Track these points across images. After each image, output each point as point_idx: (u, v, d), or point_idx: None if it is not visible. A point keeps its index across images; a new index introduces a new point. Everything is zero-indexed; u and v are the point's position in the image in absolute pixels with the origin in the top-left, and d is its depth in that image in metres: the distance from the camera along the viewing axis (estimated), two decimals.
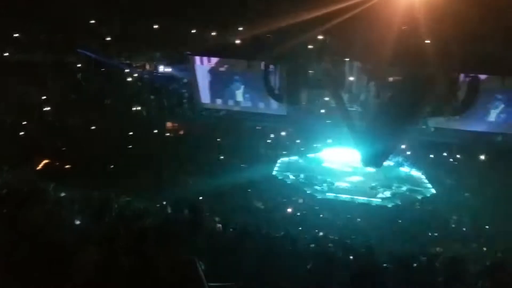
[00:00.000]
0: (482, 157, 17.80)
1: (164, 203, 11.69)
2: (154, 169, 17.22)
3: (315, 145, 19.97)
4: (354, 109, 18.09)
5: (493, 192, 16.51)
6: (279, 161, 19.98)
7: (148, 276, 3.34)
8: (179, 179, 16.71)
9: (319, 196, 16.87)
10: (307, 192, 17.19)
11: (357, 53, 16.24)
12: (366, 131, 16.25)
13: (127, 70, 21.69)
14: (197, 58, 19.23)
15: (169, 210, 8.62)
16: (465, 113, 17.09)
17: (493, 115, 16.82)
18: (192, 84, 20.21)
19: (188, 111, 21.41)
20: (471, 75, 16.49)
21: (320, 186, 17.55)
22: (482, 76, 16.26)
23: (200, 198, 13.33)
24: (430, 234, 13.87)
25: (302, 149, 20.15)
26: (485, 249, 12.46)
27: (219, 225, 8.60)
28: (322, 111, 18.82)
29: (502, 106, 16.90)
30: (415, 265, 6.75)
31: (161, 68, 23.47)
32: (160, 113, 21.82)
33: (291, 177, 18.49)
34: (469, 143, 17.97)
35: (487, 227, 14.47)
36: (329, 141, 19.28)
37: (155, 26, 18.78)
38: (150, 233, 4.88)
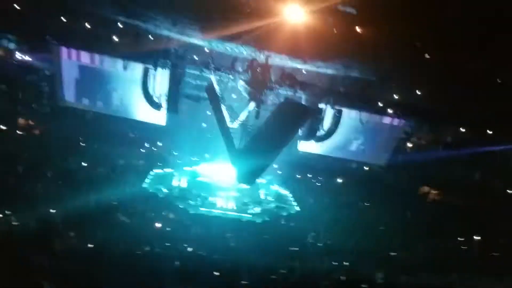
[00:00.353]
0: (340, 180, 20.15)
1: (8, 213, 9.76)
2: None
3: (192, 159, 19.59)
4: (234, 126, 18.38)
5: (347, 211, 18.70)
6: (152, 173, 18.88)
7: None
8: (29, 186, 14.19)
9: (192, 211, 16.41)
10: (180, 206, 16.54)
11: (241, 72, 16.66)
12: (243, 149, 16.58)
13: None
14: (65, 50, 16.79)
15: (14, 222, 7.13)
16: (328, 140, 18.92)
17: (354, 145, 18.99)
18: (56, 78, 17.50)
19: (46, 107, 18.64)
20: (335, 107, 18.44)
21: (193, 201, 17.13)
22: (345, 110, 18.35)
23: (52, 210, 11.51)
24: (291, 248, 14.66)
25: (179, 162, 19.52)
26: (336, 263, 13.82)
27: (74, 241, 7.49)
28: (203, 124, 18.63)
29: (352, 137, 19.14)
30: (273, 277, 6.98)
31: (19, 56, 20.17)
32: (11, 106, 18.49)
33: (164, 190, 17.61)
34: (330, 167, 20.15)
35: (339, 241, 16.17)
36: (207, 155, 19.15)
37: (15, 5, 15.94)
38: None
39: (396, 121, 18.95)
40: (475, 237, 18.60)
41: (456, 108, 17.40)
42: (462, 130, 21.09)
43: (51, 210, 12.92)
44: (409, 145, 22.77)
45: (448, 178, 21.27)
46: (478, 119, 18.47)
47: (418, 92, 16.81)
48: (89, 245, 7.19)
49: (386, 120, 19.00)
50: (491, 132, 19.69)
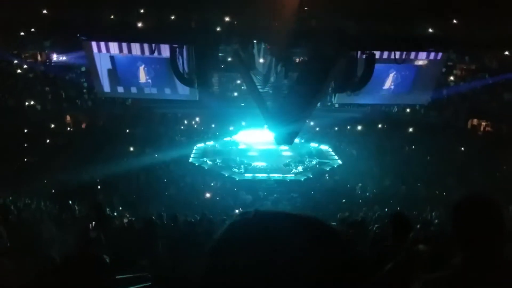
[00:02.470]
0: (380, 126, 19.72)
1: (70, 202, 10.81)
2: (55, 168, 15.62)
3: (229, 129, 20.06)
4: (265, 90, 18.43)
5: (390, 158, 18.38)
6: (195, 147, 19.68)
7: None
8: (83, 176, 15.41)
9: (238, 178, 17.03)
10: (225, 175, 17.22)
11: (263, 35, 16.50)
12: (277, 111, 16.70)
13: (16, 62, 19.24)
14: (95, 44, 17.46)
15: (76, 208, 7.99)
16: (364, 87, 18.39)
17: (392, 88, 18.23)
18: (92, 72, 18.39)
19: (89, 101, 19.78)
20: (367, 52, 17.73)
21: (237, 168, 17.71)
22: (377, 52, 17.58)
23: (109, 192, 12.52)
24: (338, 202, 14.91)
25: (217, 133, 20.10)
26: (386, 209, 13.85)
27: (129, 218, 8.22)
28: (235, 94, 18.85)
29: (389, 79, 18.28)
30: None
31: (55, 57, 21.31)
32: (57, 106, 19.83)
33: (209, 162, 18.35)
34: (369, 115, 19.73)
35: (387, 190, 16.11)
36: (243, 123, 19.49)
37: (44, 11, 16.82)
38: None
39: (433, 56, 17.85)
40: None
41: (496, 33, 16.12)
42: (507, 53, 19.54)
43: (110, 190, 14.12)
44: (452, 78, 21.57)
45: (498, 106, 20.00)
46: None
47: (454, 22, 15.74)
48: (143, 220, 7.86)
49: (423, 56, 17.96)
50: None
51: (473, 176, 16.90)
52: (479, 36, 16.18)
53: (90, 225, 6.08)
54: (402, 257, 3.30)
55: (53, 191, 13.60)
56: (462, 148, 19.38)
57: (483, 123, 20.67)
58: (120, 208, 13.18)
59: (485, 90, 20.57)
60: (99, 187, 15.05)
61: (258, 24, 16.19)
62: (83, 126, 20.12)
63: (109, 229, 6.20)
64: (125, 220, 8.96)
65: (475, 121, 20.80)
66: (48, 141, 17.55)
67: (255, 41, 18.20)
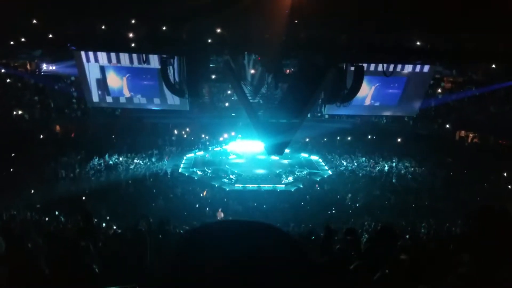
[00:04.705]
0: (369, 137, 19.93)
1: (57, 213, 10.64)
2: (43, 178, 15.45)
3: (220, 139, 20.06)
4: (255, 101, 18.53)
5: (380, 168, 18.55)
6: (185, 157, 19.60)
7: None
8: (71, 186, 15.25)
9: (228, 189, 16.98)
10: (215, 185, 17.16)
11: (254, 46, 16.65)
12: (267, 121, 16.77)
13: (3, 71, 19.05)
14: (85, 54, 17.51)
15: (62, 219, 7.87)
16: (352, 99, 18.63)
17: (381, 100, 18.47)
18: (81, 82, 18.38)
19: (78, 111, 19.64)
20: (356, 64, 17.99)
21: (227, 179, 17.68)
22: (366, 65, 17.85)
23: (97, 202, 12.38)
24: (328, 212, 14.93)
25: (208, 143, 20.08)
26: (375, 220, 13.91)
27: (115, 229, 8.14)
28: (226, 104, 18.90)
29: (378, 91, 18.51)
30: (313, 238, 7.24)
31: (45, 67, 21.15)
32: (46, 115, 19.63)
33: (199, 172, 18.29)
34: (358, 126, 19.95)
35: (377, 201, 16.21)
36: (234, 134, 19.54)
37: (34, 21, 16.69)
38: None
39: (420, 68, 18.21)
40: None
41: (482, 44, 16.53)
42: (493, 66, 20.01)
43: (98, 201, 13.95)
44: (439, 90, 21.97)
45: (485, 118, 20.40)
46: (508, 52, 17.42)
47: (441, 35, 16.10)
48: (130, 230, 7.75)
49: (411, 68, 18.28)
50: None
51: (461, 186, 17.14)
52: (465, 49, 16.56)
53: (79, 235, 6.00)
54: (388, 266, 3.36)
55: (40, 201, 13.39)
56: (450, 159, 19.66)
57: (471, 135, 21.05)
58: (108, 218, 13.02)
59: (472, 102, 21.02)
60: (86, 197, 14.87)
61: (249, 36, 16.36)
62: (72, 135, 19.93)
63: (98, 239, 6.11)
64: (113, 231, 8.84)
65: (462, 133, 21.17)
66: (36, 150, 17.32)
67: (246, 52, 18.36)
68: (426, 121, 20.81)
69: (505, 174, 18.50)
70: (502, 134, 19.40)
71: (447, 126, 21.05)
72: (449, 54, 17.54)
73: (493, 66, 20.59)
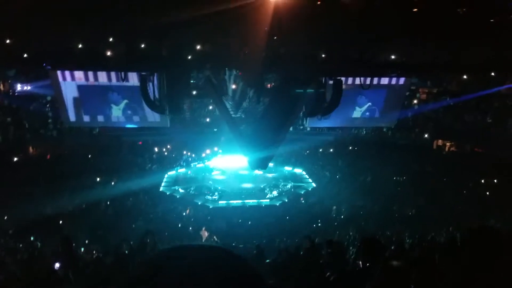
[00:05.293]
0: (351, 148, 20.17)
1: (32, 238, 10.18)
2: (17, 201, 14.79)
3: (202, 155, 19.83)
4: (237, 115, 18.49)
5: (363, 179, 18.70)
6: (166, 175, 19.23)
7: None
8: (47, 209, 14.66)
9: (211, 206, 16.70)
10: (198, 203, 16.85)
11: (234, 62, 16.68)
12: (250, 136, 16.72)
13: None
14: (61, 73, 17.03)
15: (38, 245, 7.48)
16: (332, 112, 18.82)
17: (358, 113, 18.77)
18: (58, 102, 17.85)
19: (54, 131, 19.08)
20: (335, 78, 18.28)
21: (211, 196, 17.40)
22: (344, 78, 18.18)
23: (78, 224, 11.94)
24: (314, 225, 14.87)
25: (190, 160, 19.81)
26: (361, 231, 13.93)
27: (98, 254, 7.82)
28: (207, 120, 18.78)
29: (357, 103, 18.89)
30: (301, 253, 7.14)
31: (19, 87, 20.59)
32: (20, 137, 18.97)
33: (181, 190, 17.93)
34: (340, 138, 20.18)
35: (361, 212, 16.28)
36: (216, 149, 19.38)
37: (8, 41, 16.26)
38: None
39: (397, 80, 18.66)
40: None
41: (456, 56, 17.12)
42: (466, 77, 20.78)
43: (76, 224, 13.44)
44: (415, 101, 22.57)
45: (461, 127, 21.04)
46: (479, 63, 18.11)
47: (416, 48, 16.57)
48: (111, 255, 7.43)
49: (388, 81, 18.74)
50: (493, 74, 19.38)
51: (441, 194, 17.45)
52: (440, 61, 17.09)
53: (57, 263, 5.68)
54: (378, 275, 3.31)
55: (15, 226, 12.78)
56: (430, 168, 20.06)
57: (448, 143, 21.60)
58: (87, 242, 12.53)
59: (448, 111, 21.65)
60: (63, 221, 14.30)
61: (229, 51, 16.39)
62: (48, 157, 19.30)
63: (78, 266, 5.80)
64: (93, 256, 8.47)
65: (440, 142, 21.71)
66: (9, 173, 16.64)
67: (226, 67, 18.37)
68: (404, 131, 21.26)
69: (482, 181, 19.00)
70: (477, 142, 20.01)
71: (425, 135, 21.57)
72: (424, 67, 18.11)
73: (465, 77, 21.42)
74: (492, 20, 15.54)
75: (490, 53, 15.96)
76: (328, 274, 5.44)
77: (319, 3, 14.89)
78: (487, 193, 18.25)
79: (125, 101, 17.69)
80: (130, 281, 0.78)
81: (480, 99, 20.54)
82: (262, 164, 18.36)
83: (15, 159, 18.01)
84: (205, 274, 0.75)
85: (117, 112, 17.48)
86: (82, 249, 11.01)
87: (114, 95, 17.42)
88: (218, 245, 0.86)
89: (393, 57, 18.47)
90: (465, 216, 14.63)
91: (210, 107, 18.65)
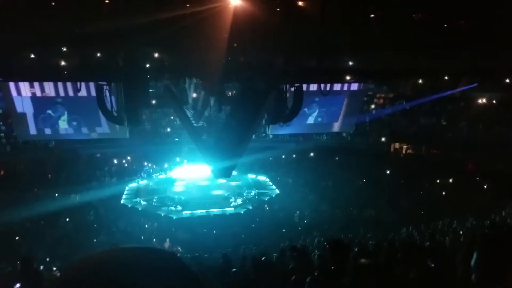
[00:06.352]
0: (312, 154, 20.52)
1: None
2: None
3: (164, 166, 19.48)
4: (199, 124, 18.34)
5: (324, 184, 19.06)
6: (127, 187, 18.71)
7: None
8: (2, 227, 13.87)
9: (175, 217, 16.40)
10: (162, 215, 16.50)
11: (194, 70, 16.61)
12: (213, 144, 16.62)
13: None
14: (14, 85, 16.25)
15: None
16: (295, 118, 19.11)
17: (321, 118, 19.14)
18: (11, 115, 17.03)
19: (7, 146, 18.13)
20: (296, 85, 18.60)
21: (174, 207, 17.09)
22: (304, 86, 18.52)
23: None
24: (279, 231, 14.95)
25: (151, 171, 19.39)
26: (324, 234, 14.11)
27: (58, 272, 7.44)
28: (168, 129, 18.49)
29: (317, 110, 19.28)
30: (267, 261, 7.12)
31: None
32: None
33: (143, 202, 17.49)
34: (302, 144, 20.49)
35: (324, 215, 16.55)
36: (178, 159, 19.10)
37: None
38: None
39: (354, 86, 19.23)
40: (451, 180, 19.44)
41: (410, 63, 17.94)
42: (420, 81, 21.79)
43: (35, 241, 12.80)
44: (372, 106, 23.35)
45: (416, 130, 21.95)
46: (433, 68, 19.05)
47: (372, 55, 17.24)
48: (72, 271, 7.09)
49: (346, 87, 19.27)
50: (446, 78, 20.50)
51: (401, 196, 18.07)
52: (395, 67, 17.84)
53: (16, 284, 5.35)
54: (350, 275, 3.37)
55: None
56: (388, 171, 20.74)
57: (404, 146, 22.45)
58: (48, 260, 11.93)
59: (404, 115, 22.54)
60: (19, 238, 13.57)
61: (188, 60, 16.30)
62: (1, 173, 18.26)
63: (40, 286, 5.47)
64: (54, 273, 8.05)
65: (397, 145, 22.52)
66: None
67: (186, 76, 18.26)
68: (362, 136, 21.91)
69: (438, 181, 19.86)
70: (433, 143, 20.94)
71: (383, 139, 22.32)
72: (379, 72, 18.85)
73: (420, 81, 22.45)
74: (445, 25, 16.48)
75: (444, 58, 16.91)
76: (293, 278, 5.45)
77: (278, 9, 15.20)
78: (443, 192, 19.08)
79: (83, 112, 17.15)
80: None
81: (434, 102, 21.56)
82: (225, 172, 18.24)
83: None
84: (136, 278, 0.71)
85: (75, 124, 16.93)
86: (42, 267, 10.45)
87: (72, 107, 16.87)
88: (152, 247, 0.80)
89: (350, 63, 19.14)
90: (423, 216, 15.21)
91: (171, 117, 18.37)
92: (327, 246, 4.66)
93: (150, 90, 17.48)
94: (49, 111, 16.36)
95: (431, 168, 19.44)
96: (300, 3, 16.24)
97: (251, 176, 20.50)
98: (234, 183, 19.30)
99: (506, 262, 2.01)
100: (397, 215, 15.94)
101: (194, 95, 18.32)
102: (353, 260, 4.06)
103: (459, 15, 15.43)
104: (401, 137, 22.08)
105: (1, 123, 18.86)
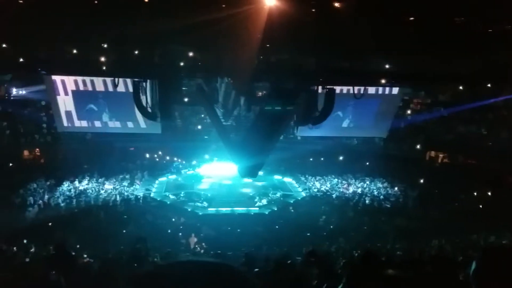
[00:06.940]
0: (341, 158, 20.13)
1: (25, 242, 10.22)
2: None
3: (193, 162, 19.86)
4: (228, 123, 18.54)
5: (353, 189, 18.64)
6: (156, 181, 19.27)
7: None
8: (40, 214, 14.70)
9: (201, 213, 16.67)
10: (188, 210, 16.83)
11: (226, 70, 16.82)
12: (241, 143, 16.74)
13: None
14: (56, 78, 17.22)
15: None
16: (325, 121, 18.84)
17: (345, 123, 18.81)
18: (52, 107, 18.06)
19: (48, 136, 19.20)
20: (328, 87, 18.33)
21: (201, 203, 17.37)
22: (337, 88, 18.21)
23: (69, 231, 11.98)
24: (303, 235, 14.77)
25: (180, 167, 19.83)
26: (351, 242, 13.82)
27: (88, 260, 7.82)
28: (198, 127, 18.83)
29: (349, 113, 18.86)
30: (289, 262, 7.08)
31: (14, 91, 20.78)
32: (14, 141, 19.11)
33: (171, 196, 17.92)
34: (331, 147, 20.16)
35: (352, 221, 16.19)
36: (207, 156, 19.40)
37: (4, 45, 16.60)
38: None
39: (390, 90, 18.62)
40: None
41: (450, 66, 17.17)
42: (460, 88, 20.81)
43: (67, 231, 13.46)
44: (408, 111, 22.54)
45: (454, 138, 20.97)
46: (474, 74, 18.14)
47: (409, 58, 16.66)
48: (104, 260, 7.38)
49: (381, 90, 18.68)
50: (489, 85, 19.45)
51: (433, 206, 17.35)
52: (433, 71, 17.14)
53: (50, 267, 5.63)
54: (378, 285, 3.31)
55: (7, 230, 12.79)
56: (421, 179, 19.97)
57: (441, 155, 21.54)
58: (78, 247, 12.52)
59: (441, 122, 21.59)
60: (55, 225, 14.30)
61: (221, 59, 16.54)
62: (42, 161, 19.42)
63: (71, 272, 5.74)
64: (85, 260, 8.44)
65: (432, 153, 21.65)
66: (4, 177, 16.76)
67: (218, 75, 18.50)
68: (396, 142, 21.20)
69: (475, 193, 18.89)
70: (470, 153, 19.94)
71: (417, 146, 21.51)
72: (416, 76, 18.16)
73: (460, 87, 21.44)
74: (490, 30, 15.66)
75: (486, 64, 16.08)
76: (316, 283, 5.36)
77: (313, 10, 15.04)
78: (480, 206, 18.13)
79: (119, 107, 17.88)
80: None
81: (474, 110, 20.51)
82: (252, 172, 18.29)
83: (10, 164, 18.12)
84: None
85: (111, 118, 17.73)
86: (73, 254, 10.98)
87: (109, 101, 17.65)
88: (213, 261, 0.90)
89: (386, 66, 18.57)
90: (457, 229, 14.52)
91: (202, 115, 18.72)
92: (360, 257, 4.54)
93: (183, 88, 17.91)
94: (91, 105, 17.25)
95: (468, 179, 18.54)
96: (336, 4, 15.98)
97: (277, 177, 20.45)
98: (259, 183, 19.33)
99: None
100: (429, 226, 15.33)
101: (225, 94, 18.54)
102: (379, 270, 3.97)
103: (504, 19, 14.60)
104: (437, 145, 21.21)
105: (44, 114, 20.01)
